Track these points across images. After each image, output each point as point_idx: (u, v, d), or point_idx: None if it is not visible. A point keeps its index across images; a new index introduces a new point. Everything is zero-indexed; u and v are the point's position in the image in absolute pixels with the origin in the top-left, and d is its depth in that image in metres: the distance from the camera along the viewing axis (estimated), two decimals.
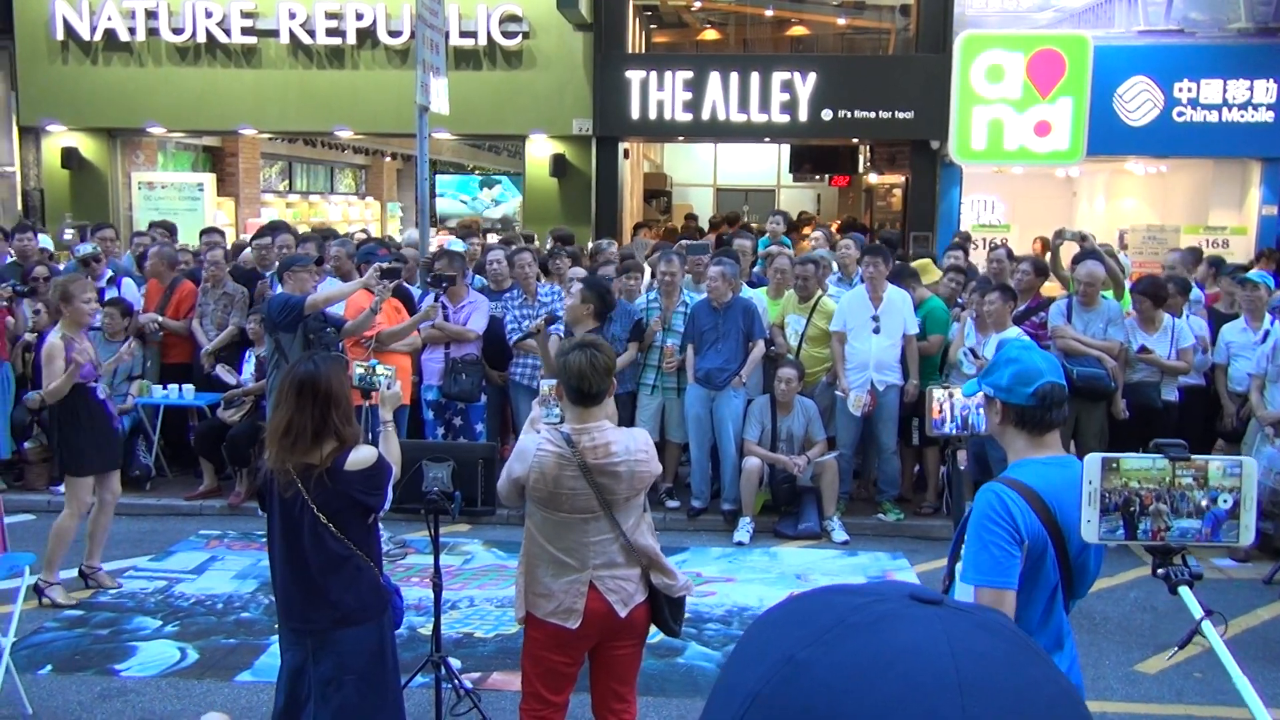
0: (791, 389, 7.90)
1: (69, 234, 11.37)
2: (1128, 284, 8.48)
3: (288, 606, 3.87)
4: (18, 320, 8.60)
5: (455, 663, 5.26)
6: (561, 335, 7.12)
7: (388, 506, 3.99)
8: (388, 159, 21.79)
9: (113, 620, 6.29)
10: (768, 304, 8.58)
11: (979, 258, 10.66)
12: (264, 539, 4.20)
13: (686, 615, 6.33)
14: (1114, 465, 2.47)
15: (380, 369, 4.81)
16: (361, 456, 3.80)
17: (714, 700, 0.82)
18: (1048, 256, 9.39)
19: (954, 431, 3.86)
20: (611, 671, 3.99)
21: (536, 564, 3.85)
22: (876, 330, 7.97)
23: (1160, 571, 2.55)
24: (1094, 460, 2.47)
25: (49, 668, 5.64)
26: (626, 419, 8.29)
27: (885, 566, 7.48)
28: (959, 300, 8.53)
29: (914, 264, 9.37)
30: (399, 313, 7.85)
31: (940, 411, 3.85)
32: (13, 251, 9.71)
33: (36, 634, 6.03)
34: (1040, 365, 2.91)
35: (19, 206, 14.55)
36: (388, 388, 4.58)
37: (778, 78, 13.51)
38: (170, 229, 11.29)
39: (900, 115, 13.46)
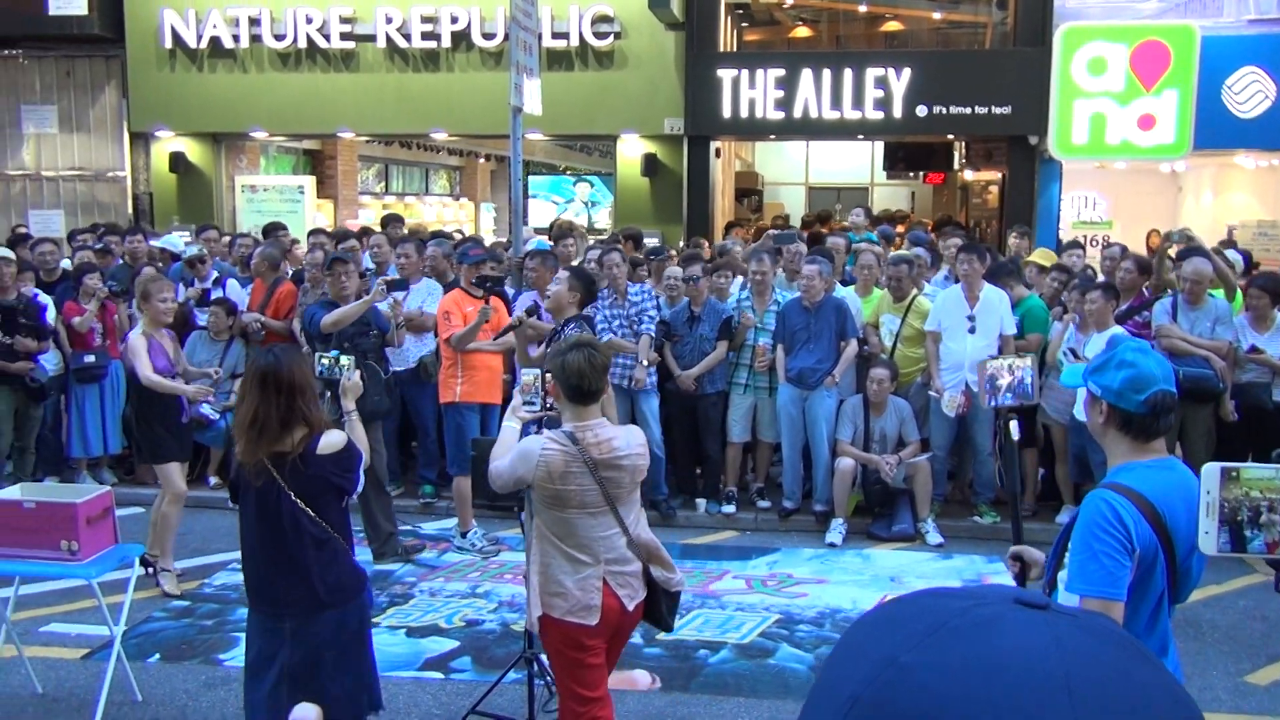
0: (884, 389, 7.81)
1: (185, 234, 11.73)
2: (1240, 282, 8.17)
3: (268, 594, 3.96)
4: (121, 319, 8.91)
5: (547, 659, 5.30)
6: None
7: (360, 489, 4.12)
8: (481, 160, 22.05)
9: (217, 611, 6.49)
10: (860, 303, 8.49)
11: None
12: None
13: (778, 616, 6.39)
14: (1234, 475, 2.38)
15: (344, 360, 4.91)
16: (332, 440, 3.94)
17: (812, 702, 0.81)
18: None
19: (1009, 402, 3.80)
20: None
21: (550, 562, 3.93)
22: (972, 330, 7.81)
23: None
24: (1212, 470, 2.38)
25: (157, 656, 5.85)
26: (719, 419, 8.29)
27: (981, 570, 7.35)
28: (1061, 299, 8.33)
29: (1035, 252, 9.20)
30: (505, 318, 7.92)
31: (1010, 381, 3.78)
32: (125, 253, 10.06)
33: (146, 623, 6.25)
34: (1155, 372, 2.79)
35: (129, 210, 15.06)
36: (348, 379, 4.69)
37: (871, 74, 13.33)
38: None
39: (997, 110, 13.18)
